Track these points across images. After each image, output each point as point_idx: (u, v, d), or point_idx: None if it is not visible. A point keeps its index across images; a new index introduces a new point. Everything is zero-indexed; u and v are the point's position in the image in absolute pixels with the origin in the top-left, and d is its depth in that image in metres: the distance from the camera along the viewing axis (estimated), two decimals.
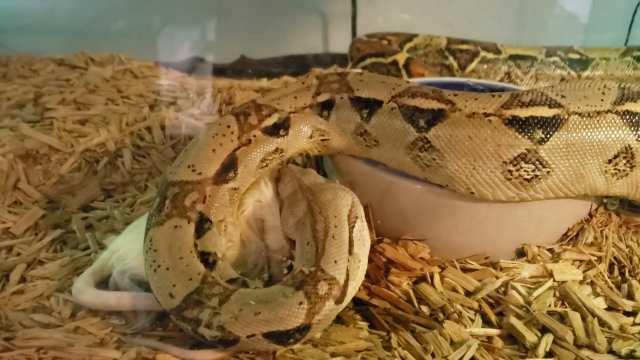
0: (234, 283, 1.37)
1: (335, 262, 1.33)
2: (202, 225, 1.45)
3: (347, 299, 1.36)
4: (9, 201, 1.95)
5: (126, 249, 1.55)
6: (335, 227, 1.40)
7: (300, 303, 1.26)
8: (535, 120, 1.45)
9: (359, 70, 1.79)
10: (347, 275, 1.33)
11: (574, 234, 1.70)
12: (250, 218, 1.61)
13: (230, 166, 1.55)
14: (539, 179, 1.48)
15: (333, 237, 1.38)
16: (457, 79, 2.37)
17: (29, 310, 1.52)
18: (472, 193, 1.52)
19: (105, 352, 1.34)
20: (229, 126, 1.60)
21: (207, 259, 1.40)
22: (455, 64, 2.79)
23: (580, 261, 1.64)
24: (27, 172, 2.06)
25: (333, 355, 1.35)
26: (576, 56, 2.83)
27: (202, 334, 1.28)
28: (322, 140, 1.71)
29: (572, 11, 3.13)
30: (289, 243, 1.49)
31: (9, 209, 1.92)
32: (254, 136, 1.61)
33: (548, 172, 1.47)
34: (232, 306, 1.27)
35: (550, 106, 1.47)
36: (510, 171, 1.47)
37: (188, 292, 1.31)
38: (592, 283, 1.57)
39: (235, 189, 1.55)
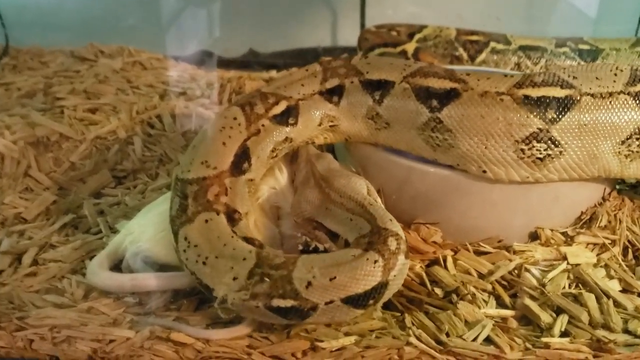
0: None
1: (391, 220, 1.33)
2: (232, 215, 1.41)
3: None
4: (20, 187, 1.95)
5: (139, 231, 1.55)
6: (365, 198, 1.41)
7: (375, 261, 1.24)
8: (547, 100, 1.45)
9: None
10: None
11: (588, 217, 1.69)
12: (265, 205, 1.61)
13: (243, 157, 1.52)
14: (552, 158, 1.47)
15: (370, 204, 1.38)
16: (468, 68, 2.36)
17: (42, 291, 1.52)
18: (485, 172, 1.51)
19: (119, 331, 1.34)
20: (235, 118, 1.57)
21: (253, 243, 1.34)
22: (465, 55, 2.78)
23: (594, 244, 1.63)
24: (38, 159, 2.06)
25: (347, 334, 1.34)
26: (586, 47, 2.80)
27: (277, 306, 1.22)
28: (331, 126, 1.69)
29: (581, 2, 3.11)
30: (305, 223, 1.48)
31: (20, 195, 1.91)
32: (263, 125, 1.58)
33: (561, 152, 1.47)
34: (302, 272, 1.22)
35: (562, 87, 1.47)
36: (522, 150, 1.47)
37: (249, 268, 1.25)
38: (606, 266, 1.56)
39: (251, 180, 1.54)
